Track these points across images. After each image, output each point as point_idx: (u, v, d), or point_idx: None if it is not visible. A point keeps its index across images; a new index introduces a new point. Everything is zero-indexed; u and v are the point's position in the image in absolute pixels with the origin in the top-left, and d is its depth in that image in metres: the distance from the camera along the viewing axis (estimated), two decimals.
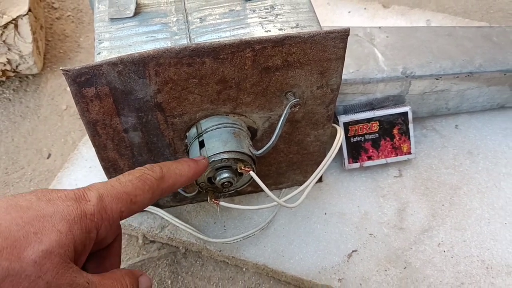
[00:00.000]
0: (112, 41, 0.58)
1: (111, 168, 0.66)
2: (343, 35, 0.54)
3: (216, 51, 0.53)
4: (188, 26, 0.59)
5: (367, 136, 0.76)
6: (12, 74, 0.92)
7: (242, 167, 0.60)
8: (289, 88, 0.60)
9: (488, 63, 0.76)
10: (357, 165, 0.77)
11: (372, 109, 0.77)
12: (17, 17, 0.85)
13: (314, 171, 0.77)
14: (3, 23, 0.84)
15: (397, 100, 0.77)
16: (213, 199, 0.64)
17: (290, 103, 0.60)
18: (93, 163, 0.81)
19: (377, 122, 0.76)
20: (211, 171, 0.60)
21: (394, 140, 0.77)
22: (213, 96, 0.58)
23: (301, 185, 0.79)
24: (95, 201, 0.41)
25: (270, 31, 0.58)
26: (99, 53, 0.57)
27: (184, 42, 0.57)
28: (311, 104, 0.63)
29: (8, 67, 0.88)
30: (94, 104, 0.55)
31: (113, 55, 0.57)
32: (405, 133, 0.77)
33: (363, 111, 0.76)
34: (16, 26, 0.86)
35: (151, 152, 0.65)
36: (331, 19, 1.03)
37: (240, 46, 0.53)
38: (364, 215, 0.74)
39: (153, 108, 0.58)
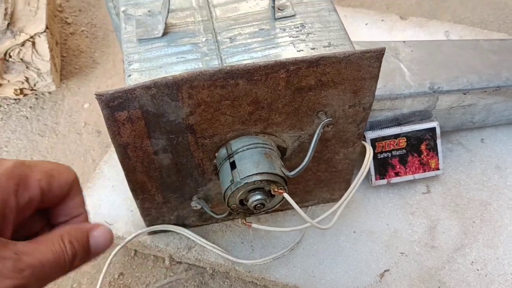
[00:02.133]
0: (142, 62, 0.57)
1: (139, 190, 0.65)
2: (378, 54, 0.53)
3: (250, 73, 0.52)
4: (218, 46, 0.58)
5: (394, 152, 0.75)
6: (30, 92, 0.91)
7: (276, 189, 0.58)
8: (321, 108, 0.59)
9: None
10: (384, 181, 0.76)
11: (398, 124, 0.75)
12: (35, 34, 0.84)
13: (341, 189, 0.76)
14: (21, 41, 0.83)
15: (424, 115, 0.76)
16: (245, 222, 0.62)
17: (323, 122, 0.59)
18: (115, 182, 0.80)
19: (405, 138, 0.75)
20: (243, 193, 0.59)
21: (422, 156, 0.76)
22: (244, 117, 0.57)
23: (327, 202, 0.79)
24: None
25: (302, 50, 0.57)
26: (129, 75, 0.56)
27: (215, 63, 0.56)
28: (342, 122, 0.62)
29: (26, 85, 0.87)
30: (126, 127, 0.54)
31: (144, 77, 0.56)
32: (433, 148, 0.75)
33: (390, 126, 0.75)
34: (33, 44, 0.85)
35: (179, 173, 0.64)
36: (348, 32, 1.02)
37: (274, 67, 0.52)
38: (394, 233, 0.73)
39: (184, 130, 0.57)
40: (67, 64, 1.03)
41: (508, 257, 0.70)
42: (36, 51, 0.85)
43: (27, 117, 0.94)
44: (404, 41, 0.77)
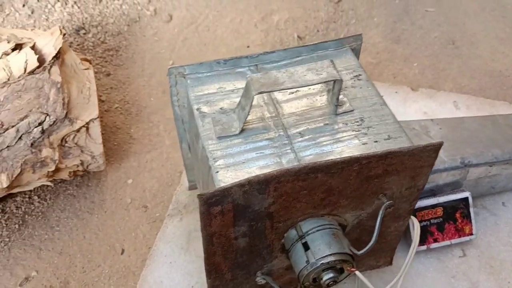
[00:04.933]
0: (225, 159, 0.63)
1: (213, 271, 0.70)
2: (437, 148, 0.62)
3: (329, 167, 0.59)
4: (291, 141, 0.65)
5: (432, 221, 0.83)
6: (82, 173, 0.95)
7: (348, 268, 0.65)
8: (383, 191, 0.66)
9: None
10: (424, 247, 0.83)
11: (434, 195, 0.83)
12: (90, 120, 0.90)
13: (386, 256, 0.83)
14: (77, 127, 0.89)
15: (455, 185, 0.85)
16: None
17: (385, 205, 0.66)
18: (172, 258, 0.84)
19: (441, 207, 0.83)
20: (317, 272, 0.65)
21: (457, 223, 0.83)
22: (317, 203, 0.64)
23: (373, 269, 0.85)
24: None
25: (366, 143, 0.65)
26: (217, 172, 0.62)
27: (291, 157, 0.64)
28: (398, 202, 0.69)
29: (80, 168, 0.92)
30: (217, 219, 0.60)
31: (230, 173, 0.62)
32: (467, 216, 0.83)
33: (426, 197, 0.83)
34: (87, 129, 0.91)
35: (251, 254, 0.69)
36: None
37: (350, 162, 0.59)
38: None
39: (264, 217, 0.63)
40: (106, 141, 1.09)
41: None
42: (90, 135, 0.91)
43: (74, 196, 0.98)
44: (432, 120, 0.87)
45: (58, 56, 0.90)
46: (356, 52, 0.78)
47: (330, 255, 0.63)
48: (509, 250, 0.85)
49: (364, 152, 0.62)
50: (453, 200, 0.83)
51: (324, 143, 0.65)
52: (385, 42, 1.38)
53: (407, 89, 1.16)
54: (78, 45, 1.25)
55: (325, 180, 0.61)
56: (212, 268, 0.70)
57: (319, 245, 0.64)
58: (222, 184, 0.61)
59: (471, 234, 0.84)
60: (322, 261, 0.63)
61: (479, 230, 0.88)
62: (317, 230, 0.66)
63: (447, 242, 0.84)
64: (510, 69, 1.29)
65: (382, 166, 0.61)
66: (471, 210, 0.83)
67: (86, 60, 0.99)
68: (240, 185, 0.57)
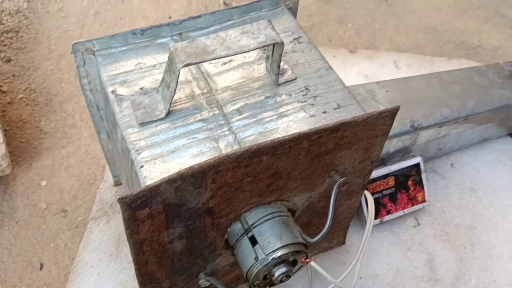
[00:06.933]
0: (151, 149, 0.53)
1: (147, 281, 0.60)
2: (393, 113, 0.54)
3: (275, 148, 0.50)
4: (228, 121, 0.55)
5: (384, 192, 0.77)
6: None
7: (303, 260, 0.57)
8: (334, 167, 0.58)
9: (479, 105, 0.81)
10: (377, 221, 0.77)
11: (384, 163, 0.77)
12: None
13: (340, 236, 0.76)
14: None
15: (405, 152, 0.79)
16: None
17: (338, 183, 0.58)
18: (100, 269, 0.73)
19: (393, 177, 0.77)
20: (267, 268, 0.56)
21: (410, 191, 0.78)
22: (263, 190, 0.55)
23: (325, 251, 0.78)
24: None
25: (315, 115, 0.56)
26: (141, 167, 0.51)
27: (229, 139, 0.54)
28: (350, 177, 0.62)
29: None
30: (145, 224, 0.50)
31: (158, 166, 0.51)
32: (419, 183, 0.78)
33: (377, 167, 0.77)
34: None
35: (190, 255, 0.60)
36: None
37: (298, 139, 0.51)
38: (397, 272, 0.74)
39: (203, 213, 0.53)
40: (11, 138, 0.93)
41: (504, 278, 0.74)
42: None
43: None
44: (377, 82, 0.80)
45: None
46: (293, 11, 0.69)
47: (281, 247, 0.55)
48: (463, 213, 0.82)
49: (313, 126, 0.53)
50: (405, 168, 0.77)
51: (267, 119, 0.56)
52: (318, 3, 1.29)
53: (345, 51, 1.09)
54: None
55: (271, 163, 0.52)
56: (146, 279, 0.59)
57: (268, 237, 0.56)
58: (149, 182, 0.50)
59: (424, 201, 0.79)
60: (273, 256, 0.54)
61: (431, 195, 0.83)
62: (265, 221, 0.57)
63: (400, 213, 0.79)
64: (444, 24, 1.25)
65: (334, 140, 0.53)
66: (423, 176, 0.78)
67: None
68: (171, 181, 0.47)
